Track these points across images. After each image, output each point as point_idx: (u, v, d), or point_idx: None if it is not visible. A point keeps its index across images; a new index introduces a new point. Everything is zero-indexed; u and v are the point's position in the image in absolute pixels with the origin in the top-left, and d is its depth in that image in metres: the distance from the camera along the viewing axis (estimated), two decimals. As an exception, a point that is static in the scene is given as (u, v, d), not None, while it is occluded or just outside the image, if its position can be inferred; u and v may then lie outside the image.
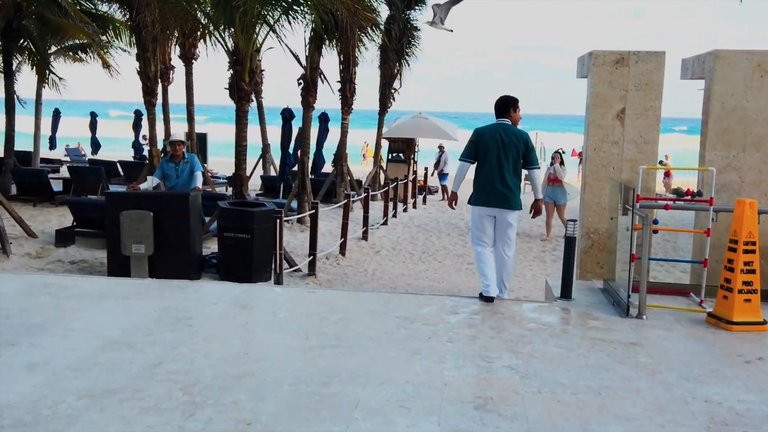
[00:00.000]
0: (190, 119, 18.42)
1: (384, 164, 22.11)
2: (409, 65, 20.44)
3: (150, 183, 10.34)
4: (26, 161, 19.86)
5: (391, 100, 20.45)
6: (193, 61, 18.01)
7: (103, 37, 19.02)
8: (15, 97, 16.60)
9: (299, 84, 14.35)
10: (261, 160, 20.81)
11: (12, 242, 10.33)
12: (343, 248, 11.72)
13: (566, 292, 6.69)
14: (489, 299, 6.54)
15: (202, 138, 20.30)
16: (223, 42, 11.66)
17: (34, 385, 4.15)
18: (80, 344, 4.92)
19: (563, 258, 6.77)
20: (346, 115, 17.68)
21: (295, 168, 15.61)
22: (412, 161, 22.32)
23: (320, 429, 3.72)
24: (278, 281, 8.72)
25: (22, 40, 17.24)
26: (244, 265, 8.88)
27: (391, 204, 16.34)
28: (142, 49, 14.83)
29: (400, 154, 22.37)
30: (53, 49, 20.46)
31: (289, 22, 11.87)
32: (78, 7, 16.30)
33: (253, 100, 13.45)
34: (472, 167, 6.84)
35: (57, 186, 16.32)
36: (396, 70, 20.11)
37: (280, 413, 3.87)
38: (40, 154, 21.32)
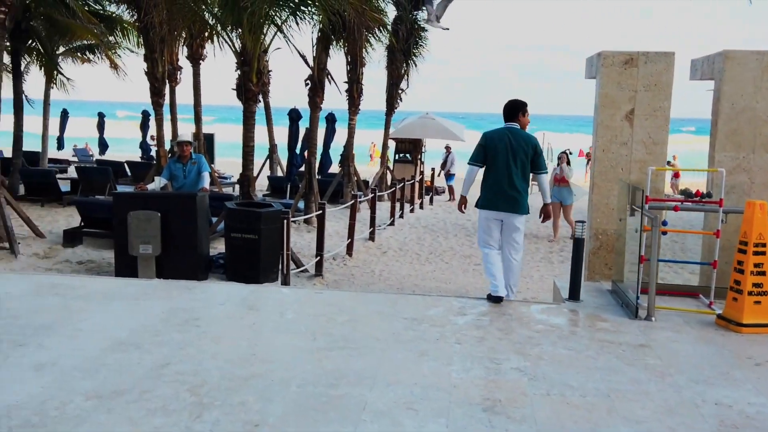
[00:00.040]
0: (198, 120, 18.47)
1: (391, 165, 22.09)
2: (416, 66, 20.40)
3: (157, 183, 10.35)
4: (34, 161, 19.92)
5: (398, 101, 20.41)
6: (201, 61, 18.07)
7: (111, 38, 19.08)
8: (23, 97, 16.65)
9: (306, 84, 14.37)
10: (268, 161, 20.83)
11: (20, 242, 10.36)
12: (350, 249, 11.71)
13: (574, 294, 6.66)
14: (498, 299, 6.52)
15: (210, 138, 20.34)
16: (230, 43, 11.68)
17: (42, 385, 4.16)
18: (88, 345, 4.93)
19: (572, 259, 6.74)
20: (353, 116, 17.67)
21: (302, 168, 15.62)
22: (419, 162, 22.29)
23: (328, 431, 3.71)
24: (285, 282, 8.71)
25: (30, 41, 17.28)
26: (251, 266, 8.89)
27: (398, 204, 16.32)
28: (150, 49, 14.85)
29: (407, 155, 22.34)
30: (61, 49, 20.52)
31: (297, 23, 11.90)
32: (86, 8, 16.32)
33: (260, 101, 13.45)
34: (481, 171, 6.83)
35: (65, 186, 16.37)
36: (403, 71, 20.07)
37: (287, 415, 3.86)
38: (48, 155, 21.36)
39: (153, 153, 21.14)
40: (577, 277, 6.68)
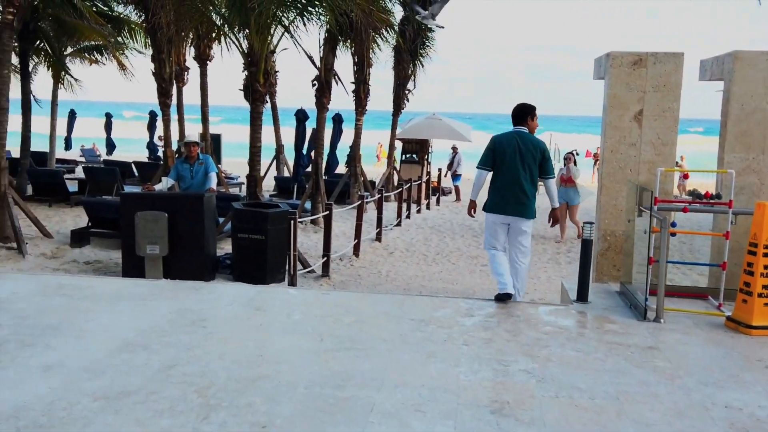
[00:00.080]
0: (205, 120, 18.50)
1: (398, 165, 22.09)
2: (423, 66, 20.40)
3: (165, 184, 10.36)
4: (42, 162, 19.98)
5: (405, 101, 20.42)
6: (208, 62, 18.11)
7: (119, 39, 19.12)
8: (31, 97, 16.71)
9: (313, 85, 14.36)
10: (275, 161, 20.84)
11: (28, 242, 10.39)
12: (356, 249, 11.70)
13: (583, 295, 6.63)
14: (506, 296, 6.51)
15: (216, 139, 20.36)
16: (237, 43, 11.68)
17: (50, 386, 4.16)
18: (95, 345, 4.93)
19: (580, 261, 6.71)
20: (360, 116, 17.67)
21: (309, 169, 15.62)
22: (425, 162, 22.27)
23: (335, 433, 3.69)
24: (292, 282, 8.71)
25: (38, 42, 17.33)
26: (258, 266, 8.89)
27: (404, 205, 16.31)
28: (157, 50, 14.91)
29: (414, 155, 22.32)
30: (69, 50, 20.58)
31: (304, 24, 11.88)
32: (94, 9, 16.37)
33: (267, 101, 13.45)
34: (490, 174, 6.81)
35: (72, 186, 16.42)
36: (410, 71, 20.08)
37: (294, 416, 3.85)
38: (55, 155, 21.44)
39: (160, 153, 21.22)
40: (586, 278, 6.65)
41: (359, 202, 12.15)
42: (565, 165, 14.55)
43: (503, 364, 4.83)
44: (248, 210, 9.29)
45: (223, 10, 12.04)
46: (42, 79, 21.78)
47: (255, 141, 11.67)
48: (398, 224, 15.43)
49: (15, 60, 14.70)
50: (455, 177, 22.47)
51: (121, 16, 18.49)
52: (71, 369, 4.45)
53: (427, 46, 20.20)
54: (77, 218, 13.28)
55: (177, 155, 14.64)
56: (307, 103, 15.13)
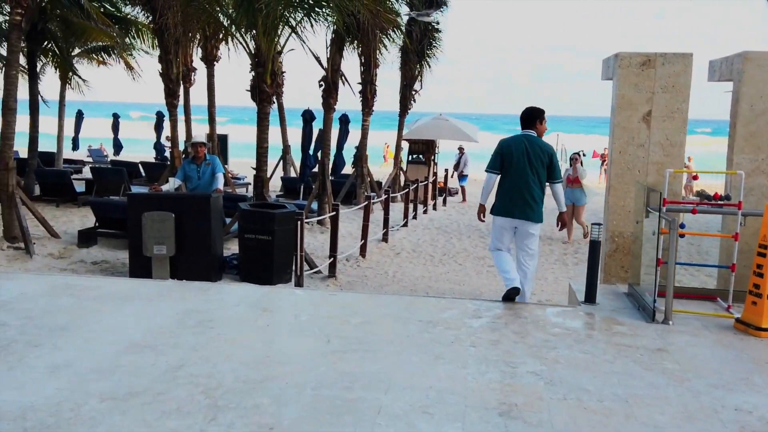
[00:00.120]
0: (212, 121, 18.52)
1: (404, 166, 22.07)
2: (429, 67, 20.40)
3: (172, 184, 10.38)
4: (49, 162, 20.05)
5: (412, 102, 20.41)
6: (215, 63, 18.13)
7: (126, 40, 19.17)
8: (39, 98, 16.76)
9: (320, 86, 14.37)
10: (281, 162, 20.86)
11: (35, 242, 10.42)
12: (363, 250, 11.69)
13: (590, 297, 6.60)
14: (514, 291, 6.50)
15: (223, 139, 20.41)
16: (244, 44, 11.69)
17: (57, 387, 4.16)
18: (102, 346, 4.93)
19: (588, 262, 6.68)
20: (367, 117, 17.67)
21: (316, 169, 15.62)
22: (432, 163, 22.25)
23: (343, 434, 3.68)
24: (299, 283, 8.70)
25: (46, 42, 17.41)
26: (265, 267, 8.89)
27: (411, 205, 16.29)
28: (165, 51, 14.94)
29: (420, 156, 22.31)
30: (76, 51, 20.64)
31: (311, 24, 11.89)
32: (101, 10, 16.42)
33: (274, 102, 13.46)
34: (499, 178, 6.81)
35: (79, 187, 16.46)
36: (417, 72, 20.07)
37: (302, 418, 3.84)
38: (63, 155, 21.51)
39: (167, 154, 21.26)
40: (593, 279, 6.63)
41: (366, 202, 12.14)
42: (571, 165, 14.52)
43: (511, 365, 4.81)
44: (255, 210, 9.29)
45: (231, 10, 12.06)
46: (50, 80, 21.92)
47: (262, 141, 11.69)
48: (405, 225, 15.42)
49: (23, 60, 14.74)
50: (462, 177, 22.44)
51: (129, 16, 18.54)
52: (78, 369, 4.45)
53: (434, 46, 20.20)
54: (84, 218, 13.32)
55: (184, 156, 14.68)
56: (314, 104, 15.15)
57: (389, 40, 17.03)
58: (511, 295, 6.53)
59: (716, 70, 7.46)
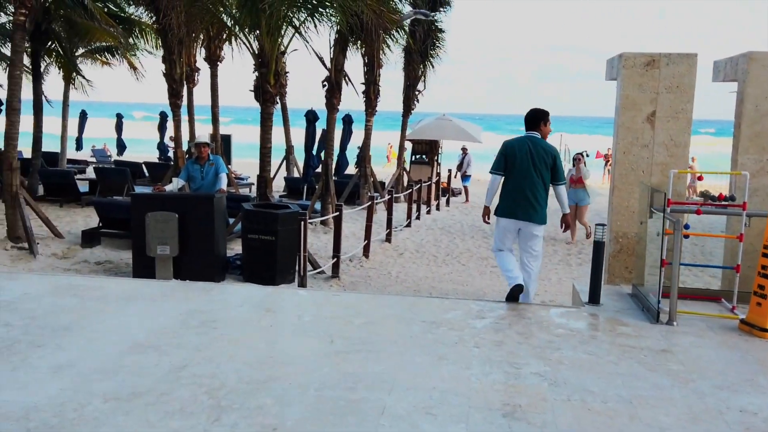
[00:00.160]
0: (215, 121, 18.53)
1: (407, 166, 22.06)
2: (433, 67, 20.38)
3: (175, 184, 10.37)
4: (53, 162, 20.08)
5: (415, 102, 20.40)
6: (218, 63, 18.14)
7: (130, 40, 19.19)
8: (43, 98, 16.78)
9: (323, 86, 14.35)
10: (285, 162, 20.86)
11: (39, 242, 10.42)
12: (366, 250, 11.68)
13: (594, 297, 6.59)
14: (517, 288, 6.49)
15: (227, 139, 20.40)
16: (248, 44, 11.68)
17: (61, 387, 4.15)
18: (106, 346, 4.93)
19: (592, 262, 6.66)
20: (370, 117, 17.66)
21: (319, 169, 15.62)
22: (435, 163, 22.24)
23: (346, 435, 3.67)
24: (302, 283, 8.70)
25: (49, 43, 17.42)
26: (268, 267, 8.88)
27: (414, 206, 16.28)
28: (168, 51, 14.94)
29: (424, 156, 22.29)
30: (80, 51, 20.68)
31: (315, 25, 11.88)
32: (105, 10, 16.44)
33: (277, 102, 13.46)
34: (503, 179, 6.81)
35: (83, 187, 16.47)
36: (420, 72, 20.06)
37: (305, 419, 3.83)
38: (66, 155, 21.54)
39: (171, 154, 21.27)
40: (597, 280, 6.61)
41: (369, 203, 12.12)
42: (574, 166, 14.49)
43: (515, 366, 4.79)
44: (258, 211, 9.29)
45: (234, 11, 12.06)
46: (53, 80, 21.94)
47: (265, 142, 11.68)
48: (408, 225, 15.40)
49: (27, 61, 14.74)
50: (465, 178, 22.43)
51: (132, 17, 18.56)
52: (82, 370, 4.45)
53: (437, 46, 20.18)
54: (88, 218, 13.33)
55: (187, 156, 14.68)
56: (318, 104, 15.15)
57: (392, 40, 17.05)
58: (514, 293, 6.53)
59: (721, 71, 7.44)
